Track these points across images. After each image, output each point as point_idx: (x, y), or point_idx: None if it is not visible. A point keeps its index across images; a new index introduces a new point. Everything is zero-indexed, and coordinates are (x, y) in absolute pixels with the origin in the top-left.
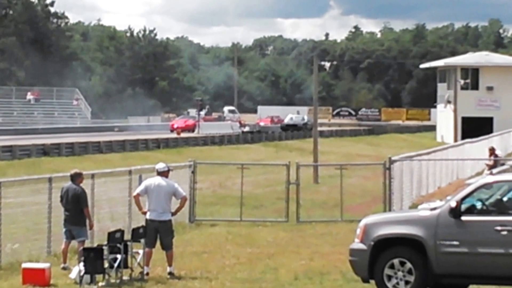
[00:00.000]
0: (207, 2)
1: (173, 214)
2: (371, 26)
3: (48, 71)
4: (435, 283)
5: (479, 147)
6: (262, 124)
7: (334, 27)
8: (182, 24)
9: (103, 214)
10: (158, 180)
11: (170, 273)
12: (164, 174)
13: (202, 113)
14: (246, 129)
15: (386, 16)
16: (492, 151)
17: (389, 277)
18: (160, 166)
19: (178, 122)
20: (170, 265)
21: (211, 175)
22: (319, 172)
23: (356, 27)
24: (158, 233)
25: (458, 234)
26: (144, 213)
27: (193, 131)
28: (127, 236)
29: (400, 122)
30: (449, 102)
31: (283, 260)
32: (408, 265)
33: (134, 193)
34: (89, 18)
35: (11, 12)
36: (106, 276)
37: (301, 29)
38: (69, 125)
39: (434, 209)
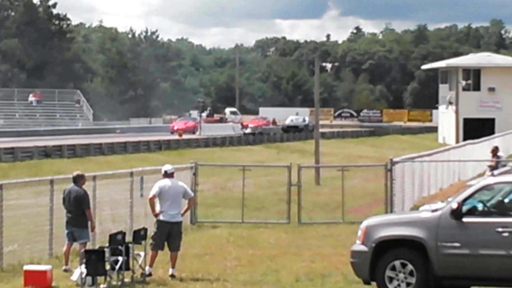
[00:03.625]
0: (204, 3)
1: (182, 215)
2: (369, 27)
3: (50, 73)
4: (437, 284)
5: (481, 149)
6: (251, 125)
7: (333, 28)
8: (180, 25)
9: (104, 216)
10: (171, 181)
11: (172, 275)
12: (172, 175)
13: (204, 114)
14: (248, 130)
15: (385, 17)
16: (495, 151)
17: (391, 279)
18: (169, 167)
19: (178, 124)
20: (173, 266)
21: (212, 177)
22: (320, 174)
23: (357, 28)
24: (169, 234)
25: (459, 236)
26: (157, 215)
27: (193, 132)
28: (129, 238)
29: (401, 123)
30: (450, 103)
31: (285, 262)
32: (410, 266)
33: (150, 196)
34: (87, 19)
35: (13, 13)
36: (108, 278)
37: (300, 30)
38: (70, 127)
39: (436, 210)
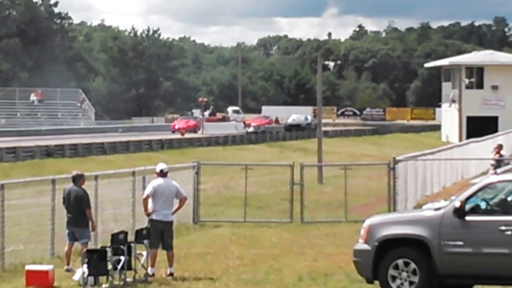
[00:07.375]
0: (203, 1)
1: (172, 214)
2: (370, 25)
3: (51, 72)
4: (440, 283)
5: (484, 147)
6: (254, 124)
7: (333, 26)
8: (179, 23)
9: (106, 216)
10: (166, 181)
11: (170, 274)
12: (167, 174)
13: (206, 113)
14: (250, 129)
15: (386, 15)
16: (498, 149)
17: (394, 278)
18: (164, 166)
19: (179, 123)
20: (171, 265)
21: (215, 176)
22: (323, 173)
23: (360, 26)
24: (162, 233)
25: (462, 234)
26: (149, 214)
27: (195, 131)
28: (131, 237)
29: (404, 121)
30: (454, 101)
31: (287, 261)
32: (412, 265)
33: (144, 196)
34: (85, 18)
35: (14, 12)
36: (110, 278)
37: (300, 28)
38: (72, 126)
39: (439, 209)
